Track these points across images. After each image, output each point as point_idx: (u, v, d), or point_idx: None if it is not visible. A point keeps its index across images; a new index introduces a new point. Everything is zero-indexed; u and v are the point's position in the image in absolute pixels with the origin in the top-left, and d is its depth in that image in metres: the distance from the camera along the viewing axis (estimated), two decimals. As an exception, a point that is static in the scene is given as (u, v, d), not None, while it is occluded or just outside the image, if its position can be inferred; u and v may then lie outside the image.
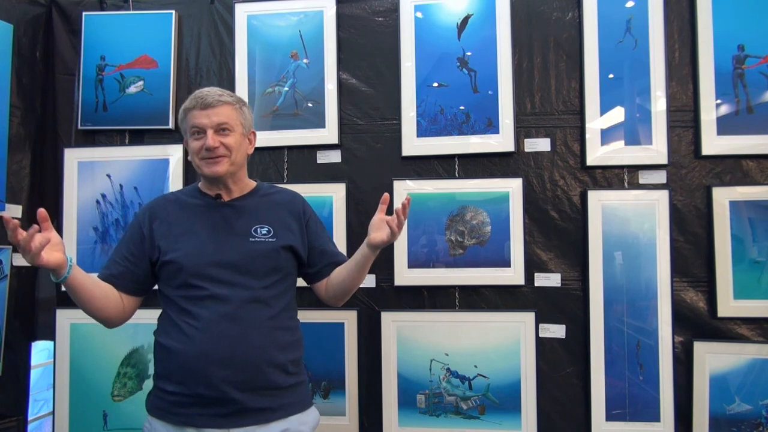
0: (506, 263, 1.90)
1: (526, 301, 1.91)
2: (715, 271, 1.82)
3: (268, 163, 2.04)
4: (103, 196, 2.06)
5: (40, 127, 2.13)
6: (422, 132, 1.96)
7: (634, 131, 1.88)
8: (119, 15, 2.13)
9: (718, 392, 1.79)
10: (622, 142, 1.89)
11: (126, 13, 2.13)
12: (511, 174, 1.93)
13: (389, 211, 1.37)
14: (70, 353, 2.02)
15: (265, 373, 1.29)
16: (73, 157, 2.07)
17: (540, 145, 1.94)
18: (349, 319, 1.94)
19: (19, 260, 2.03)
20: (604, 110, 1.90)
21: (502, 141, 1.92)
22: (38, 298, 2.12)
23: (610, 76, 1.90)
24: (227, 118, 1.34)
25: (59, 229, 2.06)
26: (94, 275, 1.37)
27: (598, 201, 1.87)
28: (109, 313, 1.33)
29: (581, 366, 1.88)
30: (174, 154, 2.05)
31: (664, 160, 1.86)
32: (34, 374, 2.19)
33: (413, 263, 1.93)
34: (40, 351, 2.35)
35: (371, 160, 2.00)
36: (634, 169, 1.89)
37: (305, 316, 1.96)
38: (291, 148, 2.03)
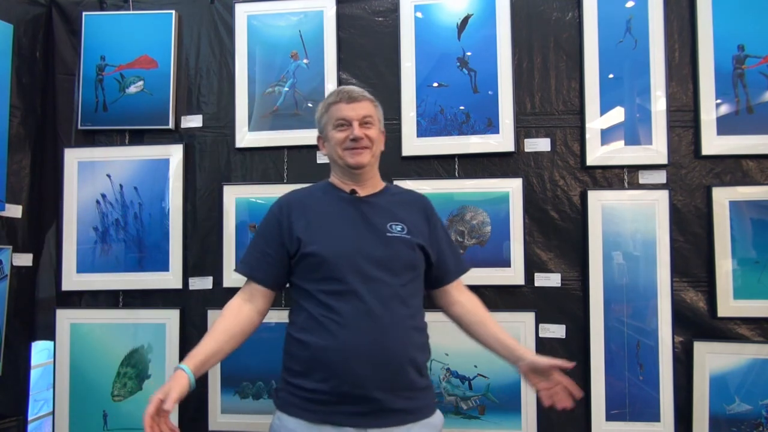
0: (506, 263, 1.89)
1: (526, 301, 1.91)
2: (715, 271, 1.82)
3: (268, 163, 2.04)
4: (103, 196, 2.06)
5: (40, 127, 2.14)
6: (422, 132, 1.96)
7: (634, 131, 1.88)
8: (119, 15, 2.13)
9: (718, 392, 1.79)
10: (622, 142, 1.89)
11: (126, 13, 2.13)
12: (511, 174, 1.93)
13: None
14: (70, 353, 2.02)
15: (405, 372, 1.28)
16: (73, 157, 2.07)
17: (540, 145, 1.94)
18: (349, 319, 1.94)
19: (19, 260, 2.04)
20: (604, 110, 1.90)
21: (502, 141, 1.92)
22: (38, 298, 2.12)
23: (610, 76, 1.90)
24: (370, 112, 1.40)
25: (59, 229, 2.07)
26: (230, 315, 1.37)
27: (598, 201, 1.87)
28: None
29: (581, 366, 1.88)
30: (174, 154, 2.05)
31: (664, 160, 1.86)
32: (34, 374, 2.19)
33: (413, 263, 1.92)
34: (40, 351, 2.35)
35: (371, 160, 2.00)
36: (634, 169, 1.89)
37: (305, 316, 1.96)
38: (291, 148, 2.03)
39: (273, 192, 1.99)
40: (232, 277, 1.98)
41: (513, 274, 1.89)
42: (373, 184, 1.45)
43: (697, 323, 1.84)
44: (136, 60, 2.10)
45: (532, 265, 1.91)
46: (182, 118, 2.10)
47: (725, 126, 1.84)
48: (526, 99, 1.95)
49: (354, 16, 2.05)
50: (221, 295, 2.00)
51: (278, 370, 1.93)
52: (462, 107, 1.95)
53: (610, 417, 1.84)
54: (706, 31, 1.87)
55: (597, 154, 1.89)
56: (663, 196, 1.85)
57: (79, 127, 2.10)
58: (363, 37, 2.04)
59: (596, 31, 1.91)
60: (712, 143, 1.85)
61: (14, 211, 2.02)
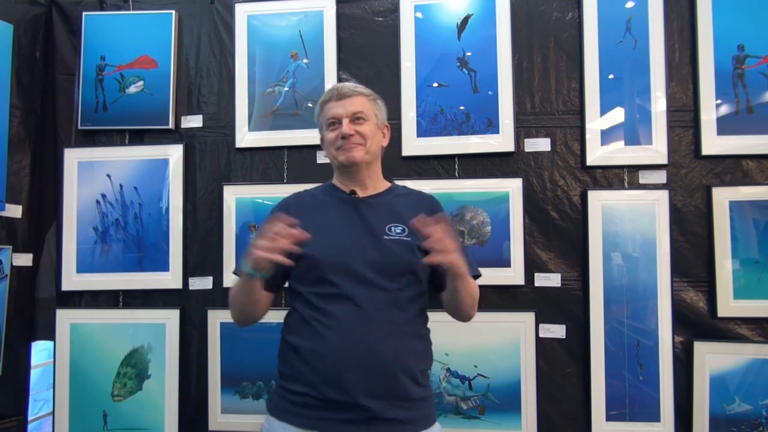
0: (506, 263, 1.89)
1: (526, 301, 1.91)
2: (715, 271, 1.82)
3: (268, 163, 2.04)
4: (103, 196, 2.06)
5: (40, 127, 2.14)
6: (422, 132, 1.96)
7: (634, 131, 1.88)
8: (119, 15, 2.13)
9: (718, 392, 1.79)
10: (622, 142, 1.89)
11: (126, 13, 2.13)
12: (511, 174, 1.93)
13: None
14: (70, 353, 2.02)
15: (398, 380, 1.22)
16: (73, 157, 2.07)
17: (540, 145, 1.94)
18: (349, 319, 1.94)
19: (19, 260, 2.04)
20: (604, 110, 1.90)
21: (502, 141, 1.92)
22: (38, 298, 2.12)
23: (610, 76, 1.90)
24: (362, 107, 1.35)
25: (59, 229, 2.07)
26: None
27: (598, 201, 1.87)
28: (258, 314, 1.37)
29: (581, 366, 1.88)
30: (174, 154, 2.05)
31: (664, 160, 1.86)
32: (34, 374, 2.19)
33: (413, 263, 1.92)
34: (40, 351, 2.35)
35: (371, 160, 2.00)
36: (634, 169, 1.89)
37: (305, 316, 1.96)
38: (291, 148, 2.03)
39: (273, 192, 1.99)
40: (232, 277, 1.98)
41: (513, 274, 1.89)
42: (374, 184, 1.41)
43: (697, 323, 1.84)
44: (136, 60, 2.10)
45: (532, 265, 1.91)
46: (182, 118, 2.10)
47: (725, 126, 1.84)
48: (526, 99, 1.95)
49: (354, 16, 2.05)
50: (221, 295, 2.00)
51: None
52: (462, 107, 1.95)
53: (610, 417, 1.84)
54: (706, 31, 1.87)
55: (597, 154, 1.89)
56: (663, 196, 1.85)
57: (79, 127, 2.10)
58: (363, 37, 2.04)
59: (596, 31, 1.91)
60: (712, 143, 1.84)
61: (14, 211, 2.02)
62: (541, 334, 1.89)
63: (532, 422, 1.85)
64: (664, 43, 1.88)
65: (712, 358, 1.80)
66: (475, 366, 1.89)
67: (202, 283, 2.02)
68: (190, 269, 2.03)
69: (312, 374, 1.22)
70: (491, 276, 1.89)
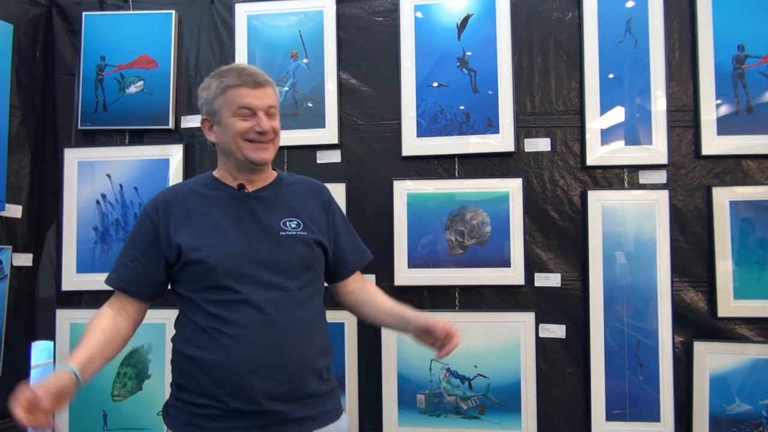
0: (506, 263, 1.89)
1: (526, 301, 1.91)
2: (715, 271, 1.82)
3: (268, 163, 2.04)
4: (103, 196, 2.06)
5: (40, 127, 2.14)
6: (422, 132, 1.96)
7: (634, 131, 1.88)
8: (119, 15, 2.13)
9: (718, 392, 1.79)
10: (622, 142, 1.89)
11: (126, 13, 2.13)
12: (511, 174, 1.93)
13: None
14: (69, 353, 2.01)
15: (306, 381, 1.20)
16: (73, 157, 2.07)
17: (540, 145, 1.94)
18: (349, 319, 1.94)
19: (19, 260, 2.04)
20: (604, 110, 1.90)
21: (502, 141, 1.92)
22: (38, 298, 2.12)
23: (610, 76, 1.90)
24: (274, 100, 1.25)
25: (59, 229, 2.07)
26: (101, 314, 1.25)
27: (598, 201, 1.87)
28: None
29: (581, 366, 1.88)
30: (174, 154, 2.05)
31: (664, 160, 1.86)
32: (34, 374, 2.18)
33: (413, 263, 1.93)
34: (40, 351, 2.35)
35: (371, 160, 2.00)
36: (634, 169, 1.89)
37: (305, 316, 1.96)
38: (291, 148, 2.03)
39: (273, 192, 1.99)
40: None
41: (513, 274, 1.89)
42: (265, 177, 1.31)
43: (697, 323, 1.84)
44: (136, 60, 2.10)
45: (532, 265, 1.91)
46: (182, 118, 2.10)
47: (725, 126, 1.84)
48: (526, 99, 1.95)
49: (354, 16, 2.05)
50: (221, 295, 2.00)
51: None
52: (462, 107, 1.95)
53: (610, 417, 1.83)
54: (706, 31, 1.87)
55: (597, 154, 1.89)
56: (663, 196, 1.85)
57: (79, 127, 2.10)
58: (363, 37, 2.04)
59: (596, 31, 1.91)
60: (712, 143, 1.84)
61: (14, 211, 2.02)
62: (541, 334, 1.89)
63: (532, 422, 1.85)
64: (664, 43, 1.88)
65: (713, 358, 1.80)
66: (475, 366, 1.89)
67: (202, 283, 2.02)
68: (190, 269, 2.03)
69: (215, 387, 1.14)
70: (491, 276, 1.90)
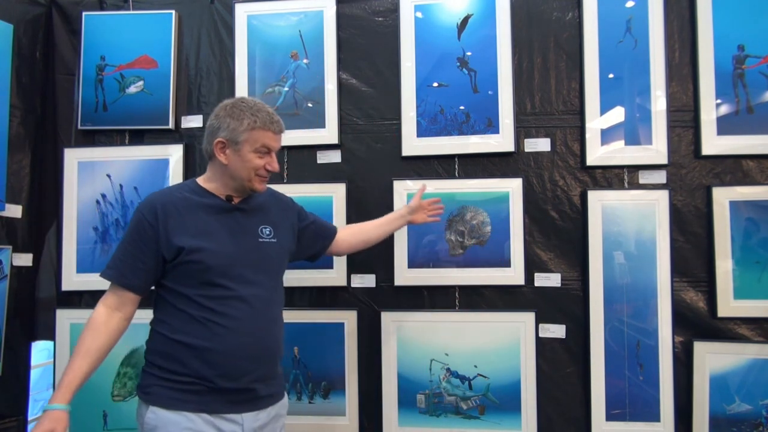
0: (506, 263, 1.89)
1: (526, 301, 1.91)
2: (715, 271, 1.82)
3: (268, 163, 2.04)
4: (103, 196, 2.06)
5: (40, 127, 2.14)
6: (422, 132, 1.96)
7: (634, 131, 1.88)
8: (119, 15, 2.13)
9: (718, 392, 1.79)
10: (622, 142, 1.89)
11: (126, 13, 2.13)
12: (511, 174, 1.93)
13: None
14: (70, 353, 2.01)
15: (274, 364, 1.44)
16: (73, 157, 2.07)
17: (540, 145, 1.94)
18: (349, 319, 1.94)
19: (19, 260, 2.04)
20: (604, 110, 1.90)
21: (502, 141, 1.92)
22: (38, 298, 2.13)
23: (610, 76, 1.90)
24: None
25: (59, 229, 2.07)
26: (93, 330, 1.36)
27: (598, 201, 1.87)
28: (118, 340, 1.40)
29: (581, 366, 1.88)
30: (174, 154, 2.05)
31: (664, 160, 1.86)
32: (34, 374, 2.19)
33: (413, 263, 1.93)
34: (40, 351, 2.35)
35: (371, 160, 2.00)
36: (634, 169, 1.89)
37: (306, 316, 1.97)
38: (291, 148, 2.03)
39: (273, 192, 1.99)
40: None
41: (513, 274, 1.89)
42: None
43: (697, 323, 1.84)
44: (136, 60, 2.10)
45: (532, 265, 1.91)
46: (182, 118, 2.10)
47: (725, 126, 1.84)
48: (526, 99, 1.95)
49: (354, 16, 2.05)
50: (221, 295, 2.00)
51: (278, 370, 1.94)
52: (462, 107, 1.95)
53: (610, 417, 1.84)
54: (706, 31, 1.87)
55: (597, 154, 1.89)
56: (663, 196, 1.85)
57: (79, 127, 2.10)
58: (363, 37, 2.04)
59: (596, 31, 1.91)
60: (712, 143, 1.84)
61: (14, 211, 2.02)
62: (541, 334, 1.89)
63: (532, 422, 1.85)
64: (664, 43, 1.88)
65: (712, 358, 1.80)
66: (475, 366, 1.89)
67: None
68: (190, 269, 2.03)
69: (207, 369, 1.31)
70: (491, 276, 1.90)
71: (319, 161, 2.02)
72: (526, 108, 1.95)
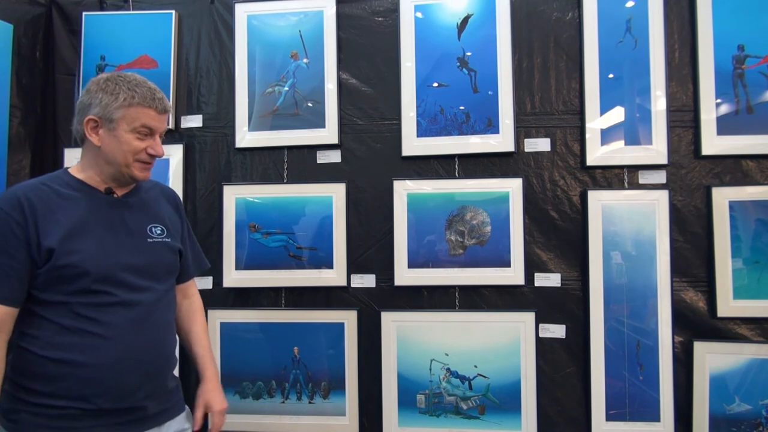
0: (506, 263, 1.90)
1: (526, 301, 1.91)
2: (714, 271, 1.82)
3: (268, 163, 2.04)
4: (103, 196, 2.06)
5: (40, 127, 2.13)
6: (422, 132, 1.96)
7: (634, 131, 1.88)
8: (119, 15, 2.13)
9: (717, 392, 1.79)
10: (622, 142, 1.89)
11: (126, 13, 2.13)
12: (511, 174, 1.93)
13: None
14: None
15: (167, 377, 1.30)
16: (73, 157, 2.07)
17: (540, 145, 1.94)
18: (349, 319, 1.94)
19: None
20: (604, 110, 1.90)
21: (502, 141, 1.92)
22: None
23: (610, 76, 1.90)
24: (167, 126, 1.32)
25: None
26: None
27: (598, 201, 1.87)
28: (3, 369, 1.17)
29: (581, 366, 1.88)
30: (174, 154, 2.05)
31: (664, 160, 1.86)
32: None
33: (413, 263, 1.93)
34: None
35: (371, 160, 2.00)
36: (634, 169, 1.89)
37: (306, 316, 1.97)
38: (291, 148, 2.03)
39: (273, 192, 2.00)
40: (232, 277, 1.98)
41: (513, 274, 1.89)
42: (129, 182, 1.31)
43: (697, 323, 1.84)
44: (136, 60, 2.10)
45: (532, 265, 1.91)
46: (182, 118, 2.10)
47: (725, 126, 1.84)
48: (526, 99, 1.95)
49: (354, 16, 2.05)
50: (221, 295, 2.00)
51: (278, 369, 1.94)
52: (462, 107, 1.95)
53: (610, 417, 1.84)
54: (706, 31, 1.87)
55: (597, 154, 1.89)
56: (663, 196, 1.85)
57: (79, 127, 2.09)
58: (363, 37, 2.04)
59: (596, 31, 1.91)
60: (712, 143, 1.84)
61: (14, 211, 2.01)
62: (541, 334, 1.89)
63: (532, 422, 1.85)
64: (664, 43, 1.88)
65: (712, 358, 1.80)
66: (475, 366, 1.89)
67: (201, 283, 2.02)
68: (190, 269, 2.03)
69: (84, 388, 1.15)
70: (491, 276, 1.90)
71: (319, 161, 2.02)
72: (526, 108, 1.95)
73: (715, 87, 1.85)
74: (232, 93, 2.04)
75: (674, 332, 1.82)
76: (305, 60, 2.03)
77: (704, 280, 1.84)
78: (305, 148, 2.02)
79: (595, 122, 1.89)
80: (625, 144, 1.88)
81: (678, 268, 1.84)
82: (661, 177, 1.88)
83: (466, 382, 1.89)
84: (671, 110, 1.88)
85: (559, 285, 1.90)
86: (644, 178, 1.89)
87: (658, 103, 1.87)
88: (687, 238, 1.86)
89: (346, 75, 2.03)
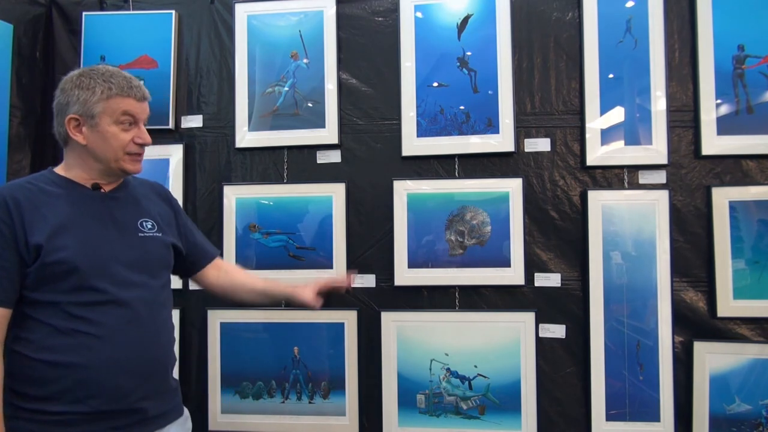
0: (506, 263, 1.90)
1: (526, 301, 1.91)
2: (714, 271, 1.82)
3: (268, 163, 2.04)
4: (103, 196, 2.06)
5: (40, 127, 2.13)
6: (422, 132, 1.96)
7: (634, 131, 1.88)
8: (119, 15, 2.13)
9: (718, 392, 1.79)
10: (622, 142, 1.89)
11: (126, 13, 2.13)
12: (511, 174, 1.93)
13: None
14: None
15: (166, 377, 1.26)
16: (73, 157, 2.07)
17: (540, 145, 1.94)
18: (349, 319, 1.94)
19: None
20: (604, 110, 1.90)
21: (502, 141, 1.92)
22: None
23: (610, 76, 1.90)
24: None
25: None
26: None
27: (598, 201, 1.87)
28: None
29: (581, 366, 1.88)
30: (174, 154, 2.05)
31: (664, 160, 1.86)
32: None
33: (413, 263, 1.93)
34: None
35: (371, 160, 2.00)
36: (634, 169, 1.89)
37: (306, 316, 1.96)
38: (291, 148, 2.03)
39: (273, 192, 2.00)
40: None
41: (513, 274, 1.89)
42: (117, 177, 1.28)
43: (697, 323, 1.84)
44: (136, 60, 2.10)
45: (532, 265, 1.91)
46: (182, 118, 2.10)
47: (725, 126, 1.84)
48: (526, 99, 1.95)
49: (354, 16, 2.05)
50: (221, 295, 2.00)
51: (278, 369, 1.95)
52: (462, 107, 1.95)
53: (610, 417, 1.84)
54: (706, 31, 1.87)
55: (597, 154, 1.89)
56: (663, 196, 1.85)
57: (79, 127, 2.09)
58: (363, 37, 2.04)
59: (596, 31, 1.91)
60: (712, 143, 1.84)
61: (14, 211, 2.01)
62: (541, 334, 1.89)
63: (532, 422, 1.85)
64: (664, 43, 1.88)
65: (712, 358, 1.80)
66: (475, 366, 1.89)
67: (202, 283, 2.02)
68: (190, 269, 2.03)
69: (78, 390, 1.11)
70: (491, 276, 1.90)
71: (319, 161, 2.02)
72: (526, 108, 1.95)
73: (715, 87, 1.85)
74: (232, 93, 2.05)
75: (674, 332, 1.82)
76: (305, 60, 2.03)
77: (704, 280, 1.84)
78: (305, 148, 2.02)
79: (595, 122, 1.89)
80: (625, 144, 1.88)
81: (678, 268, 1.84)
82: (661, 177, 1.88)
83: (466, 382, 1.89)
84: (671, 110, 1.88)
85: (559, 285, 1.90)
86: (644, 178, 1.89)
87: (658, 103, 1.87)
88: (687, 238, 1.86)
89: (346, 75, 2.03)
